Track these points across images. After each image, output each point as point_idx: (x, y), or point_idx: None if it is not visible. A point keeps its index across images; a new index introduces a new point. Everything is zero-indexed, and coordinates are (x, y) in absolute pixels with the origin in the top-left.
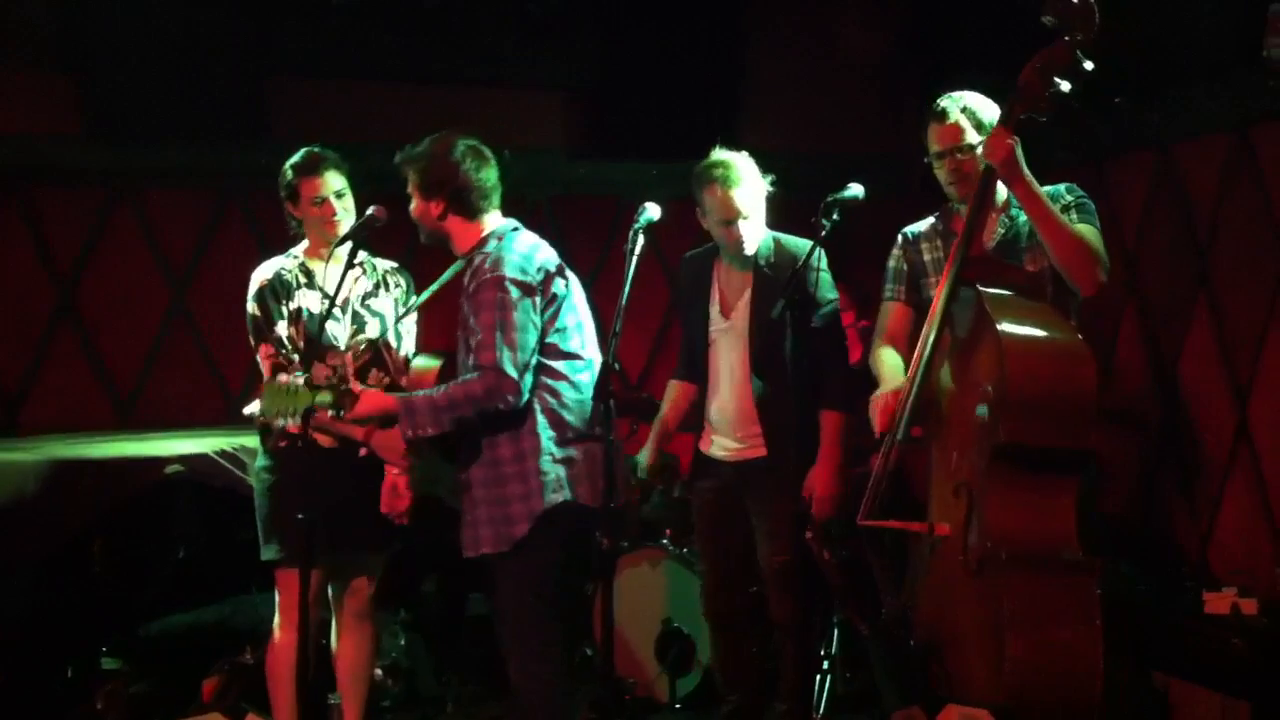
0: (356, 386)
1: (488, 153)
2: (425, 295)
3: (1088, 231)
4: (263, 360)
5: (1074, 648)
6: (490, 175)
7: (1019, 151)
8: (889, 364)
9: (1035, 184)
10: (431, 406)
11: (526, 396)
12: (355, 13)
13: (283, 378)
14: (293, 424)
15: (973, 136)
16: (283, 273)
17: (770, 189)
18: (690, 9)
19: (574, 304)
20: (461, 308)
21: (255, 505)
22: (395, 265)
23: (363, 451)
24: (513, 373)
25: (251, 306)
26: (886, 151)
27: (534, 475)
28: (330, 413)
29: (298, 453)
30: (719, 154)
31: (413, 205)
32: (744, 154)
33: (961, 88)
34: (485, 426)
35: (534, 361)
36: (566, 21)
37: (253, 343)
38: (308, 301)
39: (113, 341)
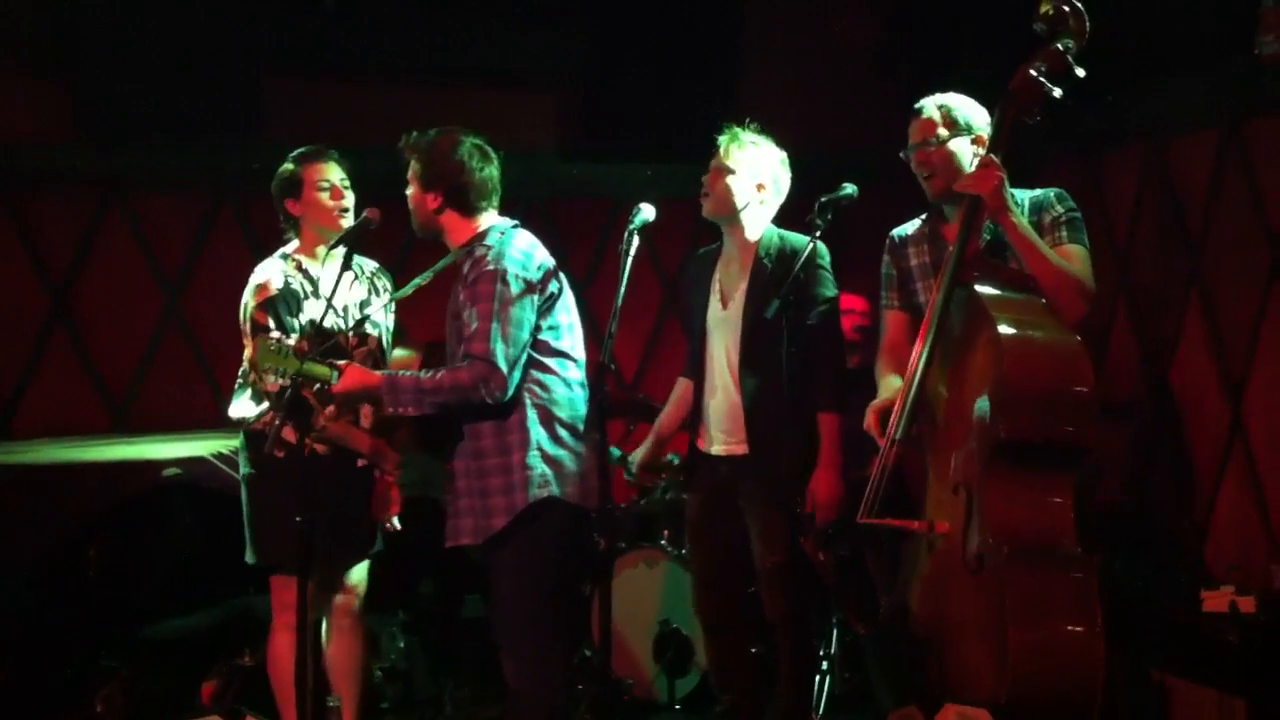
0: (341, 361)
1: (492, 152)
2: (418, 281)
3: (1076, 253)
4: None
5: (1076, 642)
6: (492, 174)
7: (1006, 185)
8: (888, 381)
9: (1020, 216)
10: (416, 387)
11: (511, 392)
12: (347, 14)
13: (274, 334)
14: (280, 382)
15: (943, 131)
16: (290, 281)
17: (772, 181)
18: (683, 9)
19: (567, 303)
20: (453, 298)
21: (243, 510)
22: (378, 266)
23: (361, 462)
24: (503, 366)
25: (258, 315)
26: (880, 147)
27: (519, 469)
28: (317, 385)
29: (290, 459)
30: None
31: (410, 191)
32: (769, 139)
33: (954, 81)
34: (471, 418)
35: (524, 358)
36: (559, 22)
37: (250, 346)
38: (316, 313)
39: (107, 346)
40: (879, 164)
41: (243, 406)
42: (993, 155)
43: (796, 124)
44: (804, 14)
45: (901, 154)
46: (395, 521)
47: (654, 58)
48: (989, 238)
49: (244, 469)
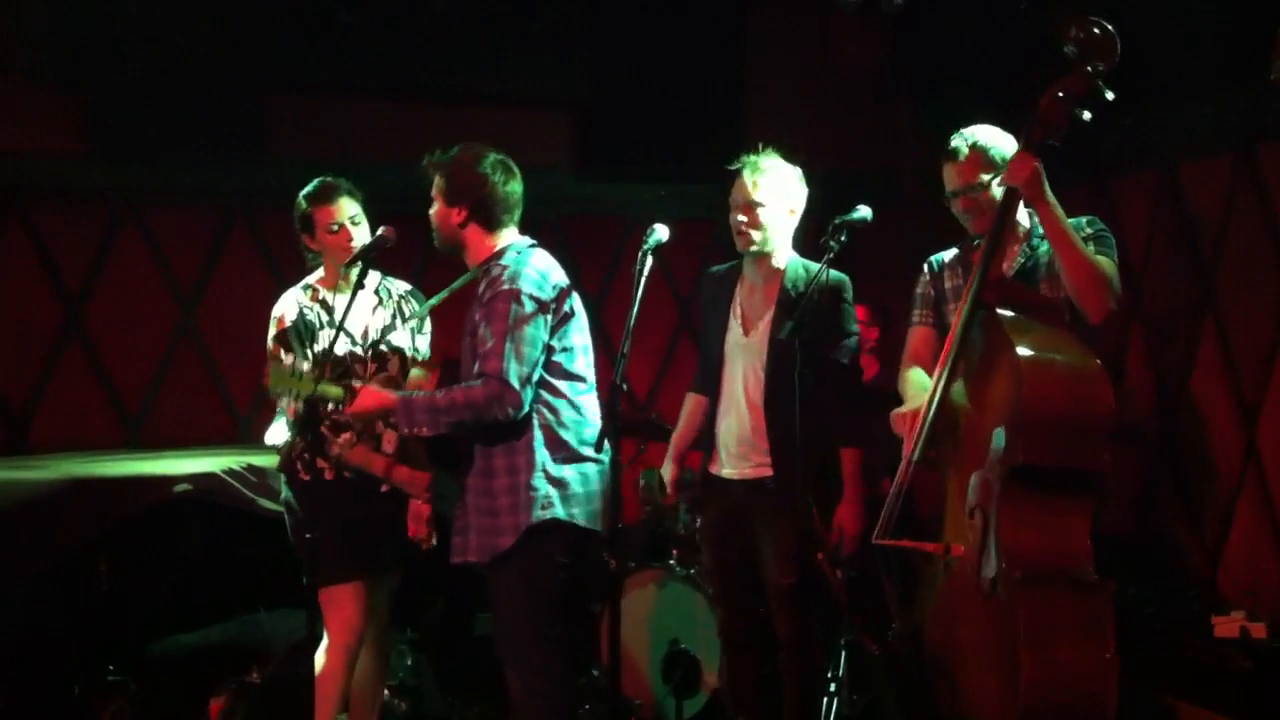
0: (356, 383)
1: (515, 168)
2: (434, 301)
3: (1104, 263)
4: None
5: (1088, 668)
6: (515, 190)
7: (1043, 175)
8: (913, 383)
9: (1058, 206)
10: (430, 407)
11: (526, 410)
12: (358, 30)
13: (287, 359)
14: (295, 406)
15: (985, 176)
16: (305, 313)
17: (800, 201)
18: (691, 30)
19: (581, 325)
20: (470, 316)
21: (290, 536)
22: (410, 288)
23: (384, 488)
24: (516, 385)
25: (272, 347)
26: (886, 166)
27: (524, 490)
28: (331, 405)
29: (319, 483)
30: (768, 153)
31: (433, 209)
32: (780, 158)
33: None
34: (482, 437)
35: (537, 377)
36: (569, 41)
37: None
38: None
39: (119, 360)
40: (883, 183)
41: (278, 432)
42: (1026, 149)
43: (800, 144)
44: (807, 36)
45: (946, 202)
46: (433, 539)
47: (660, 79)
48: (1022, 260)
49: (284, 493)
